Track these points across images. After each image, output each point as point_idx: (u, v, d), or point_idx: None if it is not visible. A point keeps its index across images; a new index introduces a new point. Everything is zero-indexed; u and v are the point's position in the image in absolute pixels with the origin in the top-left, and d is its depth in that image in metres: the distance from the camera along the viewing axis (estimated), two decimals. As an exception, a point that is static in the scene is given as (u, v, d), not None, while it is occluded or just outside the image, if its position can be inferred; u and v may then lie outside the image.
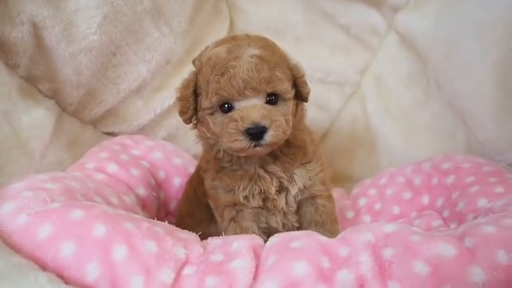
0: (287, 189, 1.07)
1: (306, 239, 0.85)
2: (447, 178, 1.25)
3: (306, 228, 1.10)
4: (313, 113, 1.58)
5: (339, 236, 0.90)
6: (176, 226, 0.99)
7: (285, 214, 1.09)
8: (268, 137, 0.93)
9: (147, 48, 1.39)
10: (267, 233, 1.09)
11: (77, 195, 0.97)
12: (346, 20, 1.63)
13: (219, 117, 0.98)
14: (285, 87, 0.97)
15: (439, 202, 1.25)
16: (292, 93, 0.99)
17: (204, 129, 1.04)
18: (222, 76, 0.94)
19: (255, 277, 0.79)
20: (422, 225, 1.21)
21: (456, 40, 1.35)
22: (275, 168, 1.05)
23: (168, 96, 1.47)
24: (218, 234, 1.03)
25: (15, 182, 0.95)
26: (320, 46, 1.66)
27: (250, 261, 0.82)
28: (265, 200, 1.07)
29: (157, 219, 1.25)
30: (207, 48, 1.06)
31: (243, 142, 0.93)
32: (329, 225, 1.11)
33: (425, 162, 1.34)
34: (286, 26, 1.64)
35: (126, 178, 1.20)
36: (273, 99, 0.97)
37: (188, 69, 1.49)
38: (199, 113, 1.03)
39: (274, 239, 0.89)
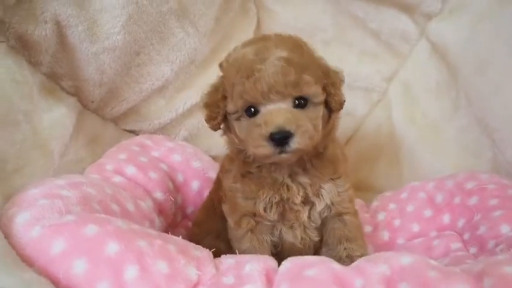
0: (312, 203, 1.04)
1: (320, 267, 0.83)
2: (470, 198, 1.22)
3: (336, 245, 1.07)
4: (338, 119, 1.55)
5: (353, 264, 0.88)
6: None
7: (305, 228, 1.06)
8: (294, 143, 0.89)
9: (171, 48, 1.38)
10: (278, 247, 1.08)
11: (93, 204, 0.97)
12: (376, 25, 1.57)
13: (245, 121, 0.95)
14: (313, 91, 0.93)
15: (460, 223, 1.21)
16: (322, 97, 0.95)
17: (233, 136, 1.01)
18: (247, 79, 0.91)
19: (266, 304, 0.79)
20: (441, 246, 1.18)
21: (489, 54, 1.30)
22: (303, 179, 1.01)
23: (190, 96, 1.46)
24: (224, 251, 1.01)
25: (32, 188, 0.95)
26: (348, 50, 1.62)
27: (261, 287, 0.81)
28: (284, 212, 1.03)
29: (173, 224, 1.28)
30: (235, 49, 1.03)
31: (267, 148, 0.90)
32: (360, 240, 1.08)
33: (449, 180, 1.30)
34: (315, 28, 1.60)
35: (144, 182, 1.20)
36: (301, 102, 0.93)
37: (213, 69, 1.49)
38: (228, 118, 1.00)
39: (287, 264, 0.88)
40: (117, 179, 1.17)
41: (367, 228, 1.30)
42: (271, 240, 1.07)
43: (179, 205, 1.29)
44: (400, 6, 1.52)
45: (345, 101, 1.01)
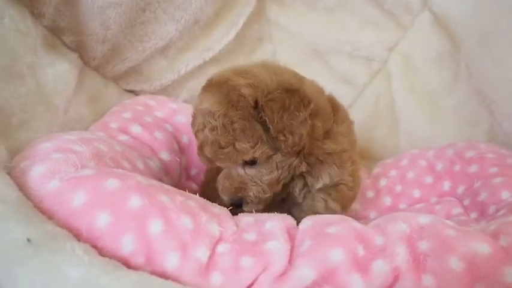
0: (310, 185, 1.05)
1: (341, 225, 0.84)
2: (470, 167, 1.25)
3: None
4: (338, 87, 1.55)
5: (373, 223, 0.89)
6: (200, 193, 0.97)
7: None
8: (246, 207, 0.99)
9: (177, 7, 1.34)
10: None
11: (106, 160, 0.95)
12: (380, -6, 1.57)
13: None
14: (251, 156, 0.94)
15: (460, 190, 1.24)
16: (268, 152, 0.95)
17: None
18: (196, 140, 0.99)
19: (290, 260, 0.79)
20: (442, 212, 1.21)
21: (493, 27, 1.31)
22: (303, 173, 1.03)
23: (193, 57, 1.44)
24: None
25: (43, 141, 0.92)
26: (351, 19, 1.60)
27: (285, 244, 0.81)
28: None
29: (178, 185, 1.26)
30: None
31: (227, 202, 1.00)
32: (341, 202, 1.08)
33: (449, 148, 1.33)
34: (318, -6, 1.59)
35: (149, 141, 1.18)
36: (250, 162, 0.96)
37: (216, 32, 1.48)
38: None
39: (308, 221, 0.88)
40: (123, 137, 1.14)
41: (369, 194, 1.31)
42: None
43: (183, 166, 1.28)
44: (405, -24, 1.52)
45: (302, 138, 0.93)
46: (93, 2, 1.16)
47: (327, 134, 1.01)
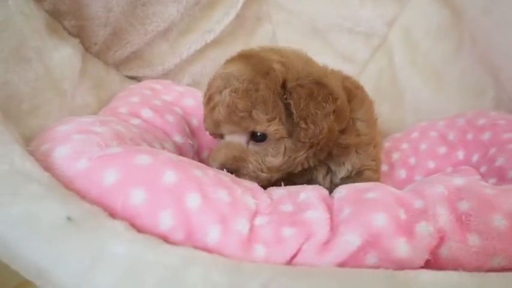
0: (333, 172, 1.04)
1: (379, 191, 0.82)
2: (483, 134, 1.25)
3: None
4: (339, 65, 1.53)
5: (407, 188, 0.88)
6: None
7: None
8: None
9: (178, -14, 1.31)
10: None
11: (126, 140, 0.92)
12: (378, -30, 1.57)
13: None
14: (265, 129, 0.91)
15: (475, 158, 1.24)
16: (284, 133, 0.92)
17: None
18: (205, 105, 0.95)
19: (332, 228, 0.77)
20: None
21: (497, -7, 1.32)
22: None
23: (194, 40, 1.41)
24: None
25: (59, 124, 0.89)
26: (351, -6, 1.60)
27: (324, 212, 0.79)
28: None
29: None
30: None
31: None
32: None
33: (459, 118, 1.33)
34: (318, -27, 1.57)
35: (161, 124, 1.14)
36: (259, 137, 0.93)
37: (216, 13, 1.45)
38: None
39: (342, 190, 0.86)
40: (135, 121, 1.11)
41: (384, 168, 1.30)
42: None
43: (195, 150, 1.25)
44: None
45: (311, 133, 0.91)
46: (96, -19, 1.12)
47: (343, 130, 0.99)
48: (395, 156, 1.33)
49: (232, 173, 0.90)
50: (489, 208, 0.77)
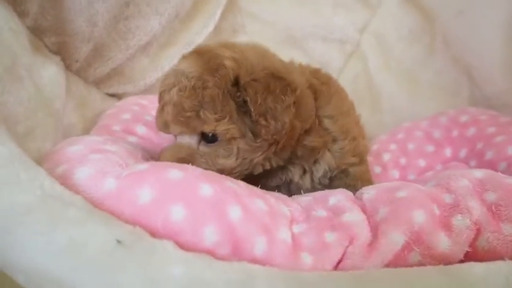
0: (311, 171, 1.01)
1: (409, 188, 0.82)
2: (468, 130, 1.29)
3: None
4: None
5: (430, 183, 0.88)
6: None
7: (312, 190, 1.00)
8: None
9: (160, -1, 1.27)
10: None
11: (139, 158, 0.88)
12: (349, -24, 1.60)
13: None
14: (213, 129, 0.85)
15: (462, 153, 1.28)
16: (234, 132, 0.86)
17: None
18: (158, 103, 0.91)
19: (372, 229, 0.76)
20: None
21: (467, -3, 1.38)
22: (296, 160, 0.99)
23: (175, 52, 1.37)
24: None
25: (68, 145, 0.84)
26: (324, 2, 1.61)
27: (360, 214, 0.79)
28: (288, 183, 1.02)
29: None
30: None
31: None
32: (360, 187, 0.96)
33: (441, 117, 1.37)
34: (291, -19, 1.58)
35: (158, 140, 1.10)
36: (209, 137, 0.87)
37: (195, 25, 1.42)
38: None
39: (370, 191, 0.86)
40: (132, 139, 1.07)
41: (376, 169, 1.32)
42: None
43: (190, 165, 1.21)
44: (370, -44, 1.56)
45: (285, 127, 0.85)
46: (81, -4, 1.07)
47: (308, 130, 0.96)
48: (386, 157, 1.35)
49: None
50: (517, 196, 0.79)
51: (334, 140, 1.01)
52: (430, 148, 1.33)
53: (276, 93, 0.83)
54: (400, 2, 1.57)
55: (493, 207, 0.78)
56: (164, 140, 1.11)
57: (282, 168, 0.99)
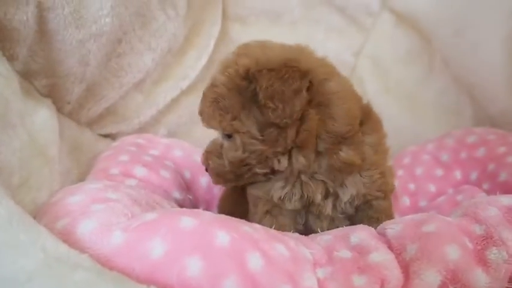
0: (336, 195, 0.94)
1: (436, 221, 0.77)
2: (477, 151, 1.25)
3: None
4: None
5: (460, 214, 0.83)
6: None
7: (332, 219, 0.96)
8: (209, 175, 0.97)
9: (152, 34, 1.21)
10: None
11: (143, 204, 0.82)
12: (341, 1, 1.56)
13: None
14: (223, 127, 0.90)
15: (473, 176, 1.23)
16: (238, 127, 0.88)
17: None
18: None
19: (402, 269, 0.71)
20: (467, 200, 1.18)
21: (466, 15, 1.35)
22: (322, 177, 0.93)
23: (169, 88, 1.32)
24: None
25: (68, 196, 0.78)
26: (316, 28, 1.57)
27: (388, 253, 0.73)
28: (308, 205, 0.95)
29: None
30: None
31: None
32: (383, 221, 0.93)
33: (447, 138, 1.33)
34: (282, 8, 1.54)
35: (159, 182, 1.05)
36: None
37: (187, 58, 1.38)
38: None
39: (394, 226, 0.80)
40: (131, 182, 1.01)
41: (386, 198, 1.26)
42: (295, 228, 0.95)
43: (193, 204, 1.15)
44: (363, -21, 1.53)
45: (294, 110, 0.84)
46: (72, 36, 1.01)
47: (345, 139, 0.92)
48: (395, 184, 1.29)
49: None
50: (550, 224, 0.74)
51: (367, 169, 0.96)
52: (439, 172, 1.28)
53: (285, 78, 0.83)
54: (395, 23, 1.54)
55: (530, 237, 0.74)
56: (165, 180, 1.06)
57: (302, 184, 0.93)
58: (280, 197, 0.93)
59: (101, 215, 0.70)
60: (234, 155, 0.90)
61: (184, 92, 1.36)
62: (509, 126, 1.36)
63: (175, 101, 1.34)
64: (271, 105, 0.82)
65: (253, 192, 0.97)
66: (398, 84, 1.55)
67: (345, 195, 0.95)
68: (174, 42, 1.28)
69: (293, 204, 0.94)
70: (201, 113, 0.94)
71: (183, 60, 1.34)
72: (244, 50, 0.93)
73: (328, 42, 1.58)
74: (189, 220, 0.68)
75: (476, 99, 1.40)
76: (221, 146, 0.93)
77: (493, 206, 0.79)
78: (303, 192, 0.93)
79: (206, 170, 0.97)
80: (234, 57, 0.91)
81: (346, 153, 0.92)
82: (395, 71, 1.55)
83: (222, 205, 1.11)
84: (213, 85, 0.90)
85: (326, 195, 0.94)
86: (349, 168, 0.93)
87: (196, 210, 0.74)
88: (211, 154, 0.95)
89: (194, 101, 1.34)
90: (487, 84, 1.36)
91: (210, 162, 0.94)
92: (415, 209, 1.24)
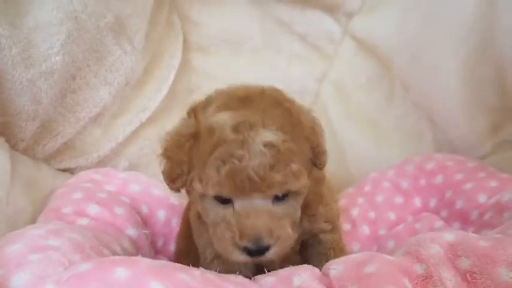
0: None
1: (377, 261, 0.77)
2: (435, 178, 1.26)
3: (312, 261, 0.92)
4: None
5: (399, 253, 0.83)
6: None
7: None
8: (270, 254, 0.77)
9: (108, 68, 1.22)
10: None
11: (87, 250, 0.81)
12: (302, 28, 1.58)
13: (213, 206, 0.79)
14: (301, 184, 0.78)
15: (432, 203, 1.24)
16: (307, 184, 0.80)
17: (196, 205, 0.86)
18: (224, 165, 0.73)
19: (341, 313, 0.71)
20: (425, 228, 1.19)
21: (423, 42, 1.37)
22: None
23: (128, 121, 1.31)
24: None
25: (7, 244, 0.76)
26: (278, 56, 1.59)
27: (328, 297, 0.73)
28: None
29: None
30: (208, 100, 0.87)
31: (238, 256, 0.78)
32: (333, 257, 0.93)
33: (408, 165, 1.34)
34: (242, 37, 1.56)
35: (112, 219, 1.03)
36: (281, 196, 0.78)
37: (147, 90, 1.38)
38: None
39: (337, 266, 0.80)
40: (83, 221, 1.00)
41: (346, 227, 1.27)
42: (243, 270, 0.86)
43: (150, 240, 1.14)
44: (323, 7, 1.55)
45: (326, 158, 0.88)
46: (21, 75, 1.01)
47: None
48: (355, 212, 1.30)
49: (265, 251, 0.76)
50: (491, 262, 0.74)
51: (311, 203, 0.93)
52: (399, 199, 1.29)
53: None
54: (356, 50, 1.56)
55: (468, 275, 0.74)
56: (118, 218, 1.05)
57: None
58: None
59: (36, 266, 0.69)
60: (298, 214, 0.83)
61: (144, 124, 1.36)
62: (469, 150, 1.38)
63: (135, 133, 1.34)
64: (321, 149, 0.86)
65: (199, 241, 0.93)
66: (359, 110, 1.56)
67: None
68: (131, 75, 1.29)
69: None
70: (273, 181, 0.74)
71: (143, 92, 1.35)
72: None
73: (291, 70, 1.59)
74: (122, 271, 0.67)
75: (436, 125, 1.41)
76: (273, 213, 0.78)
77: (435, 244, 0.80)
78: None
79: (265, 251, 0.77)
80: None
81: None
82: (357, 97, 1.56)
83: (180, 241, 1.11)
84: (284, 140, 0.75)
85: None
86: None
87: (133, 258, 0.73)
88: (274, 229, 0.77)
89: (154, 132, 1.36)
90: (445, 109, 1.37)
91: (282, 232, 0.78)
92: (375, 237, 1.24)
